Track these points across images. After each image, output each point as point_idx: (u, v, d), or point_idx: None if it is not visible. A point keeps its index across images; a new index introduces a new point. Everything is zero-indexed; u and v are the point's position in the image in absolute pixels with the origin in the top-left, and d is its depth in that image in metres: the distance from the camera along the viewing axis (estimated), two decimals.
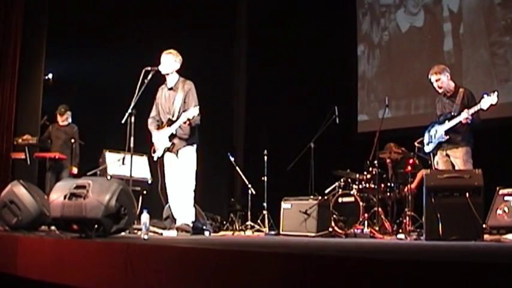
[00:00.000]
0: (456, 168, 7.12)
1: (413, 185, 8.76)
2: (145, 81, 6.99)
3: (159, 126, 7.42)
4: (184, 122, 7.13)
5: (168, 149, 7.31)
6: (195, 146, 7.38)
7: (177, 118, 7.22)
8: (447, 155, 7.32)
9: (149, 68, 7.08)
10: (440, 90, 7.52)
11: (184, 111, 7.18)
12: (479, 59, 10.27)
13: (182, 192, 7.24)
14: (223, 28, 13.53)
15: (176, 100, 7.30)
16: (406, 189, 8.68)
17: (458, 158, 7.18)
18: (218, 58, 13.13)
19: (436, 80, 7.46)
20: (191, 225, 7.16)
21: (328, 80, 11.80)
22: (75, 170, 9.87)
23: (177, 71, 7.44)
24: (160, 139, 7.34)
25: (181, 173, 7.28)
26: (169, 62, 7.33)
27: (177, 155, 7.33)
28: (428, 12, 11.16)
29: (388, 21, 11.85)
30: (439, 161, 7.43)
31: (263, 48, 13.27)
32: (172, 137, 7.27)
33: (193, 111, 7.02)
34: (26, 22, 10.44)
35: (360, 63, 12.22)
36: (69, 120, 10.23)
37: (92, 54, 11.01)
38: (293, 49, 12.56)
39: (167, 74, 7.36)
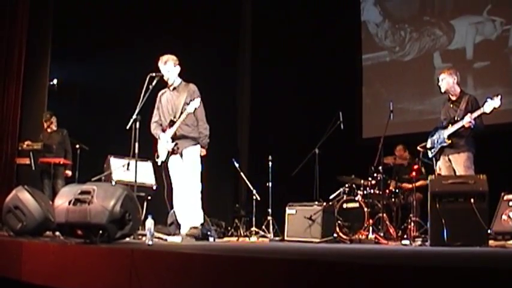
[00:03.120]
0: (457, 174, 7.11)
1: (417, 184, 8.71)
2: (150, 87, 6.98)
3: (163, 130, 7.38)
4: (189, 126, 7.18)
5: (172, 151, 7.27)
6: (198, 145, 7.30)
7: (177, 118, 7.21)
8: (449, 160, 7.32)
9: (154, 74, 7.07)
10: (442, 90, 7.53)
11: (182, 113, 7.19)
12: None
13: (189, 194, 7.16)
14: (228, 35, 13.55)
15: (179, 100, 7.25)
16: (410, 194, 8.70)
17: (460, 164, 7.18)
18: (222, 64, 13.14)
19: (442, 79, 7.48)
20: (200, 227, 7.15)
21: (333, 85, 11.79)
22: (69, 173, 9.97)
23: (179, 75, 7.43)
24: (163, 142, 7.32)
25: (187, 174, 7.20)
26: (170, 68, 7.29)
27: (181, 156, 7.27)
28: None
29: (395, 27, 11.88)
30: (441, 166, 7.42)
31: (267, 53, 13.28)
32: (175, 137, 7.24)
33: (195, 103, 7.02)
34: (31, 28, 10.48)
35: (365, 68, 12.22)
36: (55, 124, 10.23)
37: (97, 60, 11.03)
38: (298, 55, 12.57)
39: (173, 82, 7.36)
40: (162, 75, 7.16)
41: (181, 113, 7.15)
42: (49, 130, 10.19)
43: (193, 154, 7.26)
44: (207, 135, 7.33)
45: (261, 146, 12.45)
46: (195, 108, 7.06)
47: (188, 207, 7.19)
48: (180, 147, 7.22)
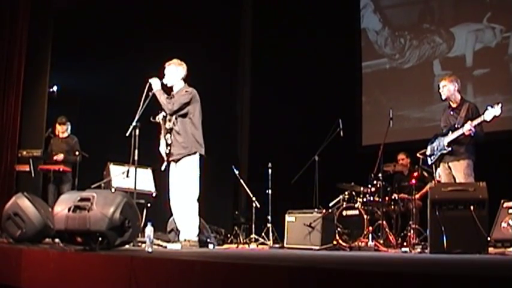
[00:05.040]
0: (457, 182, 7.11)
1: (417, 196, 8.74)
2: (150, 93, 6.98)
3: None
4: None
5: (168, 159, 7.24)
6: (196, 155, 7.12)
7: (173, 124, 7.17)
8: (449, 168, 7.32)
9: None
10: (443, 97, 7.54)
11: (180, 121, 7.19)
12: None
13: (183, 204, 7.07)
14: (228, 43, 13.56)
15: None
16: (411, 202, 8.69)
17: (460, 171, 7.18)
18: (223, 70, 13.15)
19: (443, 86, 7.49)
20: (196, 238, 7.07)
21: (333, 92, 11.80)
22: (60, 156, 9.89)
23: (184, 80, 7.35)
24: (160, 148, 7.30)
25: (180, 184, 7.10)
26: (172, 72, 7.23)
27: (176, 165, 7.20)
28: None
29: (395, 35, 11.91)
30: (441, 174, 7.43)
31: (268, 60, 13.28)
32: (168, 146, 7.21)
33: (155, 83, 7.09)
34: (30, 36, 10.49)
35: (365, 76, 12.23)
36: (69, 131, 10.24)
37: (96, 67, 11.06)
38: (298, 61, 12.56)
39: (172, 85, 7.30)
40: (162, 82, 7.12)
41: (174, 122, 7.14)
42: (61, 136, 10.19)
43: (187, 164, 7.12)
44: (167, 106, 7.12)
45: (260, 154, 12.43)
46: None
47: (183, 218, 7.13)
48: (173, 154, 7.17)
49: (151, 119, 7.04)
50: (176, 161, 7.14)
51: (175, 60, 7.30)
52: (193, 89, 7.28)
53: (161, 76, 7.21)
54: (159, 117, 7.17)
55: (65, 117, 10.24)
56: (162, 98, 7.10)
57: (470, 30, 10.56)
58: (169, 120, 7.19)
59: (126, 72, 10.78)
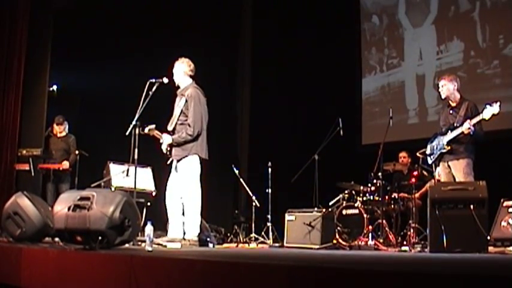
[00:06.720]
0: (457, 181, 7.11)
1: (417, 195, 8.76)
2: (150, 93, 6.98)
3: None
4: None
5: (169, 157, 7.27)
6: (195, 156, 7.18)
7: (175, 125, 7.22)
8: (448, 167, 7.32)
9: (153, 80, 7.06)
10: (443, 96, 7.55)
11: (182, 121, 7.20)
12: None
13: (184, 204, 7.13)
14: (228, 41, 13.56)
15: (178, 109, 7.27)
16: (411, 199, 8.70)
17: (459, 171, 7.18)
18: (222, 70, 13.16)
19: (442, 86, 7.48)
20: (196, 238, 7.09)
21: (333, 91, 11.80)
22: (66, 164, 9.95)
23: (192, 77, 7.42)
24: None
25: (180, 184, 7.15)
26: (174, 69, 7.38)
27: (176, 166, 7.25)
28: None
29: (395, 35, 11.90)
30: (441, 173, 7.43)
31: (268, 60, 13.29)
32: (169, 145, 7.23)
33: (166, 140, 7.12)
34: (30, 35, 10.47)
35: (365, 75, 12.23)
36: (67, 130, 10.28)
37: (96, 66, 11.05)
38: (298, 61, 12.57)
39: (179, 83, 7.40)
40: (162, 81, 7.12)
41: (177, 122, 7.18)
42: (58, 135, 10.22)
43: (187, 165, 7.17)
44: (185, 137, 7.14)
45: (260, 153, 12.43)
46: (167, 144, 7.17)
47: (185, 218, 7.16)
48: (174, 156, 7.20)
49: (140, 131, 7.01)
50: (177, 160, 7.18)
51: (179, 59, 7.39)
52: (198, 89, 7.35)
53: (162, 74, 7.23)
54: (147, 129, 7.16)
55: (62, 116, 10.28)
56: (180, 140, 7.16)
57: (471, 28, 10.55)
58: (171, 123, 7.23)
59: (125, 72, 10.79)
